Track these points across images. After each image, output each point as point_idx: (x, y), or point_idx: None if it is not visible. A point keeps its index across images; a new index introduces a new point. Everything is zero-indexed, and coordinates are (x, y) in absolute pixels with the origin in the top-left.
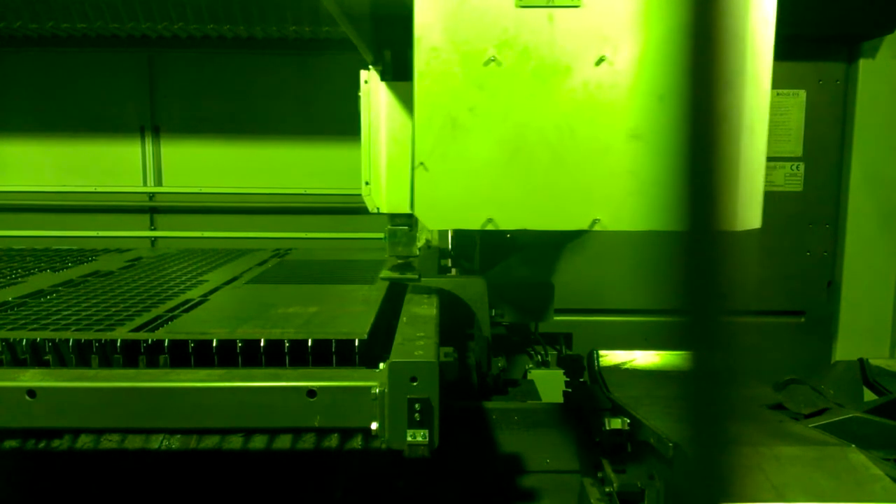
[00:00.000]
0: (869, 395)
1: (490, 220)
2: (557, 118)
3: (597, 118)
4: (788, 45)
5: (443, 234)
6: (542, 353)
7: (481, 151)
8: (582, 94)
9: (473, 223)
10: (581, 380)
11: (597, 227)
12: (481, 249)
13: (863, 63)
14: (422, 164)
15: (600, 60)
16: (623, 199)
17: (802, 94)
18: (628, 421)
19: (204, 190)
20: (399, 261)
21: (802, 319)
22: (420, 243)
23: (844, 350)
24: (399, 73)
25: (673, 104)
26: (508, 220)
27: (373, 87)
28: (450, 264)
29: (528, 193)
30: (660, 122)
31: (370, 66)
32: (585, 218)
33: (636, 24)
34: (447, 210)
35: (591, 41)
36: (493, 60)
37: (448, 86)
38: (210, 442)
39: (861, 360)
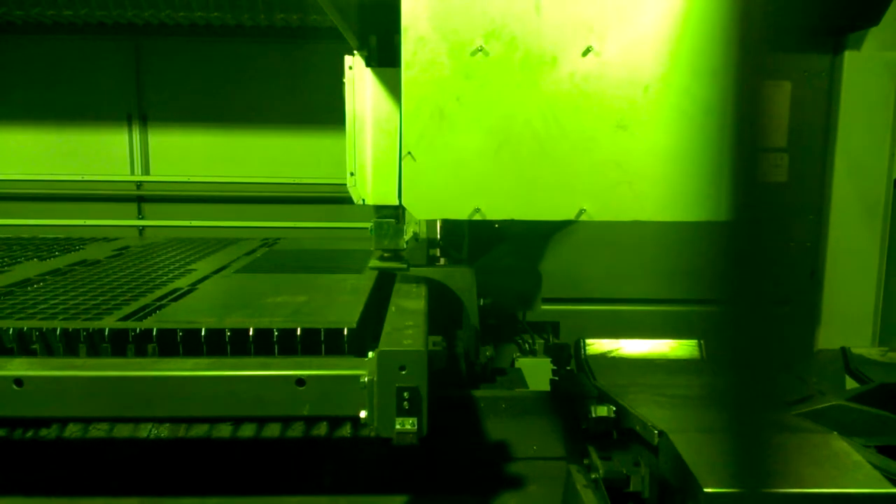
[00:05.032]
0: (851, 383)
1: (477, 210)
2: (544, 109)
3: (583, 109)
4: (774, 36)
5: (431, 223)
6: (530, 341)
7: (469, 141)
8: (568, 85)
9: (461, 213)
10: (568, 368)
11: (583, 217)
12: (470, 239)
13: (848, 55)
14: (409, 153)
15: (587, 51)
16: (609, 190)
17: (787, 85)
18: (614, 409)
19: (192, 179)
20: (387, 253)
21: (786, 309)
22: (407, 236)
23: (827, 339)
24: (385, 59)
25: (658, 94)
26: (496, 210)
27: (358, 74)
28: (438, 254)
29: (515, 184)
30: (646, 113)
31: (355, 52)
32: (572, 208)
33: (623, 13)
34: (435, 200)
35: (578, 31)
36: (480, 50)
37: (435, 76)
38: (199, 430)
39: (843, 349)
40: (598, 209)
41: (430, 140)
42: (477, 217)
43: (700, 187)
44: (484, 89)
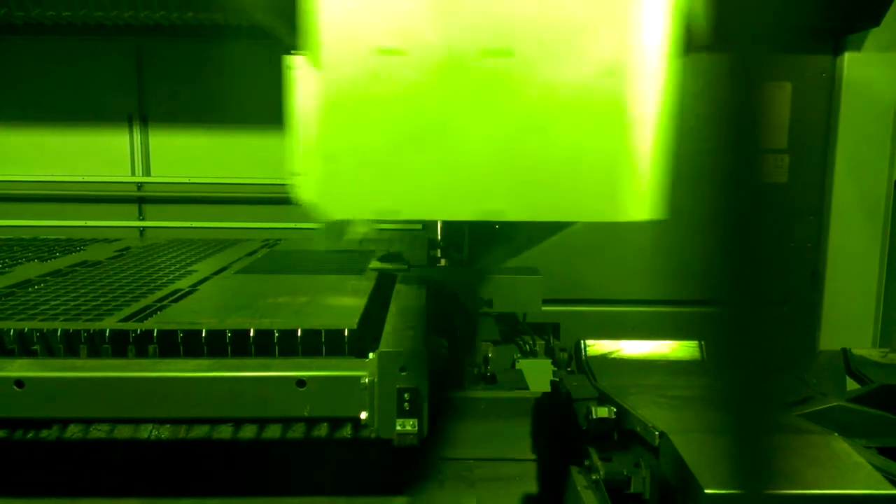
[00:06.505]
0: (852, 384)
1: (393, 210)
2: (461, 108)
3: (501, 108)
4: (774, 36)
5: (432, 224)
6: (530, 342)
7: (383, 141)
8: (486, 84)
9: (376, 213)
10: (568, 369)
11: (501, 217)
12: (470, 240)
13: (848, 56)
14: (324, 154)
15: (504, 51)
16: (527, 189)
17: (788, 86)
18: (615, 409)
19: (193, 180)
20: (353, 245)
21: (786, 309)
22: (358, 237)
23: (828, 340)
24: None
25: (578, 94)
26: (413, 210)
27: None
28: (439, 255)
29: (432, 183)
30: (565, 111)
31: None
32: (490, 207)
33: (543, 11)
34: (350, 199)
35: (497, 30)
36: (394, 51)
37: (350, 75)
38: (200, 431)
39: (844, 350)
40: (517, 209)
41: (345, 140)
42: (392, 217)
43: (615, 186)
44: (398, 89)
